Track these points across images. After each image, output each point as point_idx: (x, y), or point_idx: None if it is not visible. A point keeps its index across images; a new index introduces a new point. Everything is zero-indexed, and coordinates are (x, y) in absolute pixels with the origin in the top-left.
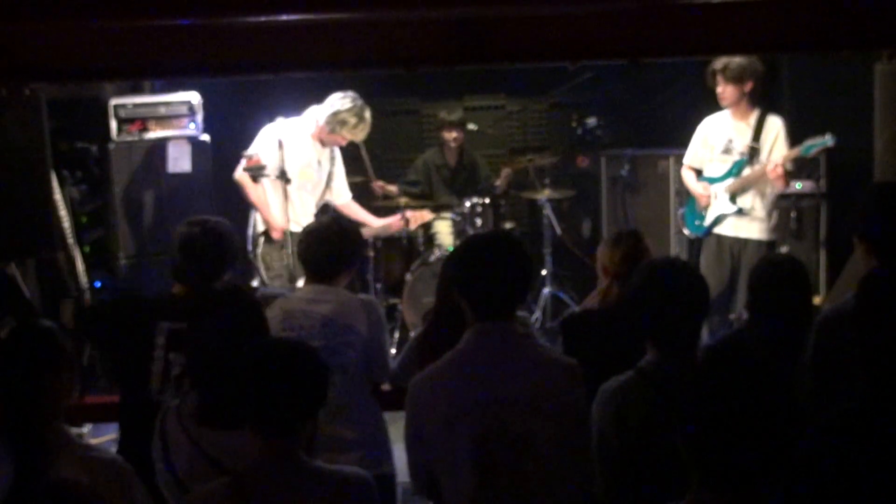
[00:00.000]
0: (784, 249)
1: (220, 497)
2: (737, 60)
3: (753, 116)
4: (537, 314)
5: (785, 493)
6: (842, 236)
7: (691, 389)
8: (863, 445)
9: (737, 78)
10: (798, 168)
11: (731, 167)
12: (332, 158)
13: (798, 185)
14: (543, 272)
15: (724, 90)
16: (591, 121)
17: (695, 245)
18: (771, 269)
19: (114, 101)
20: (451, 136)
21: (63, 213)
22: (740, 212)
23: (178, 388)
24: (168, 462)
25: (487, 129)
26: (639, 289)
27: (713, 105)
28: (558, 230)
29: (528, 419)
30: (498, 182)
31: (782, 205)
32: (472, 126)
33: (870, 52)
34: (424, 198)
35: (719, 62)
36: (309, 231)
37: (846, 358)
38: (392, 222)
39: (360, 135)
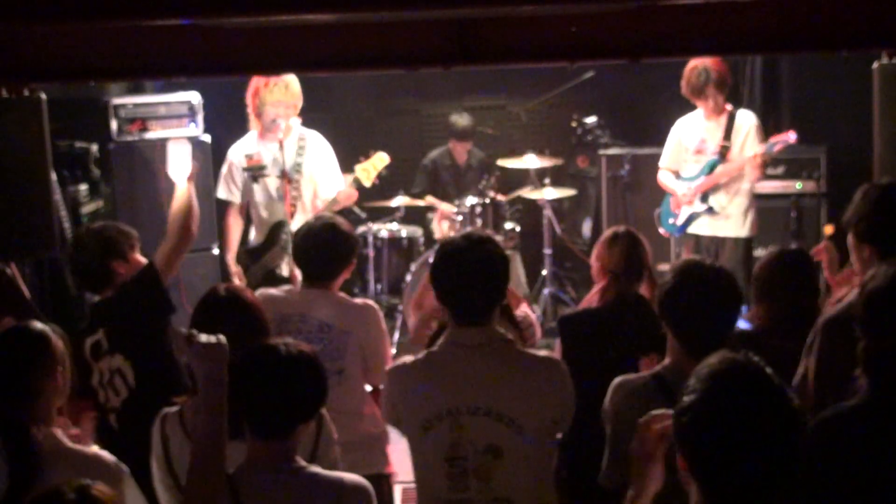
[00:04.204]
0: None
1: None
2: (717, 69)
3: (724, 115)
4: (538, 314)
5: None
6: (842, 236)
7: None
8: (862, 443)
9: (725, 84)
10: (798, 168)
11: (704, 167)
12: (302, 149)
13: (798, 185)
14: (543, 272)
15: (717, 99)
16: (591, 121)
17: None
18: (777, 259)
19: (114, 101)
20: (460, 146)
21: (63, 213)
22: (711, 210)
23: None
24: (169, 467)
25: (487, 129)
26: (673, 289)
27: None
28: (558, 230)
29: (498, 429)
30: (491, 191)
31: (781, 204)
32: (480, 128)
33: (870, 52)
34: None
35: (699, 75)
36: (304, 234)
37: (850, 358)
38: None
39: (277, 93)
